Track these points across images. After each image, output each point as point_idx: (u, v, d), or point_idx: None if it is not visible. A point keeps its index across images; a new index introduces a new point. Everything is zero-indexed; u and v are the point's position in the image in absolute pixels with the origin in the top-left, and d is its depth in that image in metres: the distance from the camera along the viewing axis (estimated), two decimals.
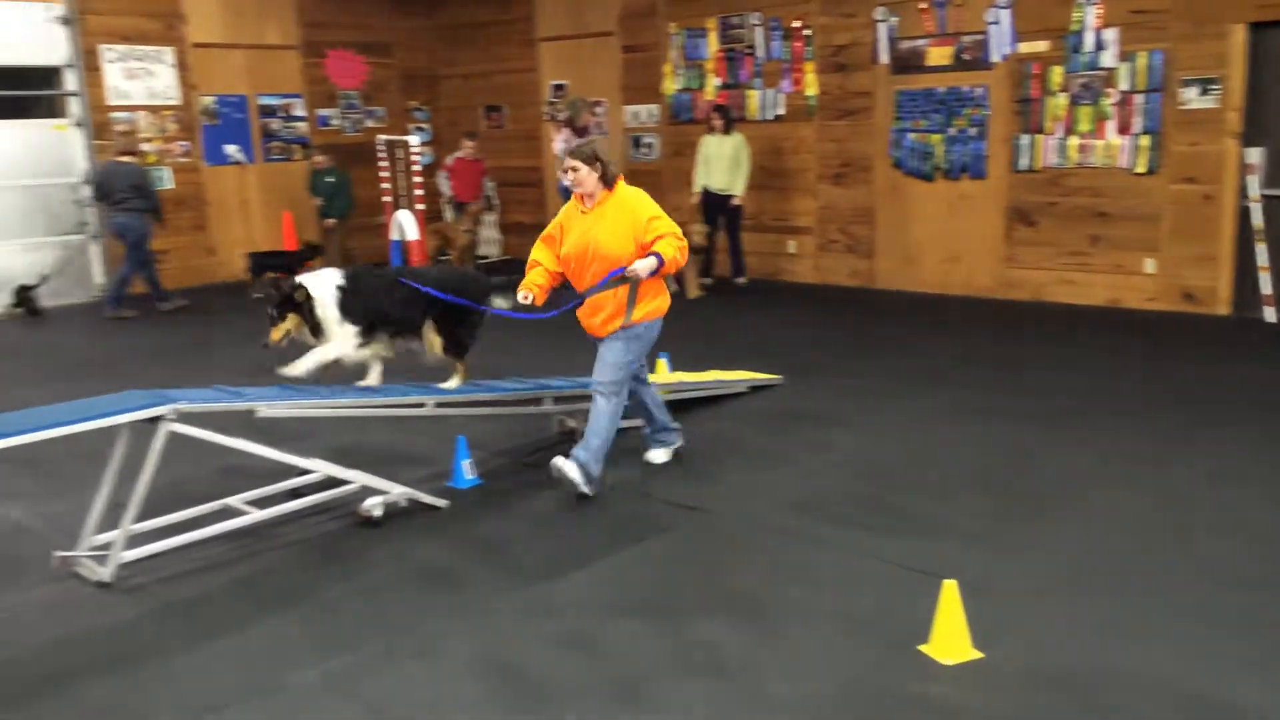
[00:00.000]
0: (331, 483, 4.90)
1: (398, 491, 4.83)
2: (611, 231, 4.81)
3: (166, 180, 11.41)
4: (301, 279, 5.01)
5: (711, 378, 6.59)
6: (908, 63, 9.84)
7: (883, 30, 9.92)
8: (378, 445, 5.77)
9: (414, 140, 9.93)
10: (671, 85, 11.58)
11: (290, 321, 4.91)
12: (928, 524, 4.53)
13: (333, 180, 11.67)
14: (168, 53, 11.43)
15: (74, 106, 10.94)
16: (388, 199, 10.19)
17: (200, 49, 11.62)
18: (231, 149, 12.05)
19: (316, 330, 4.95)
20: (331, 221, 11.71)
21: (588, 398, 5.76)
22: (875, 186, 10.27)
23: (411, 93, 13.61)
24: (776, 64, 10.73)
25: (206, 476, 5.20)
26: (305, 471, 4.89)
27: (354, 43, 12.89)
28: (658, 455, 5.41)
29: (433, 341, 5.26)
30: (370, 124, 13.01)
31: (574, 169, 4.82)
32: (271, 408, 4.53)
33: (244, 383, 4.97)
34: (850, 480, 5.11)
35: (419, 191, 9.69)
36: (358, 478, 4.81)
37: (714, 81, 11.22)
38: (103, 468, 4.34)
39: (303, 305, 4.91)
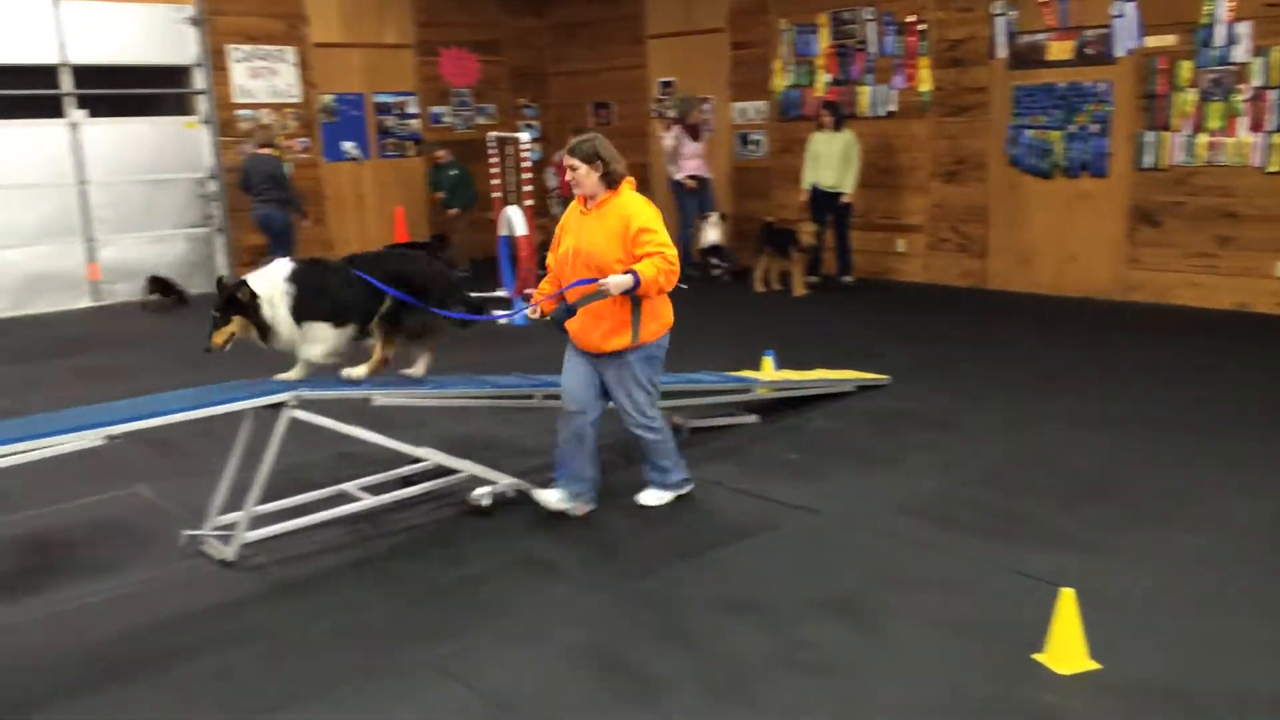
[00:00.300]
0: (441, 471, 5.00)
1: (506, 482, 4.91)
2: (604, 235, 4.42)
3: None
4: (248, 277, 4.50)
5: (817, 376, 6.53)
6: (1027, 57, 9.58)
7: (1001, 24, 9.68)
8: (486, 436, 5.87)
9: (523, 137, 10.06)
10: (781, 81, 11.50)
11: (235, 324, 4.39)
12: (1041, 530, 4.42)
13: (455, 174, 11.96)
14: (290, 52, 11.80)
15: (202, 104, 11.38)
16: (497, 195, 10.34)
17: (321, 48, 11.97)
18: (348, 146, 12.40)
19: (265, 332, 4.43)
20: (455, 211, 12.02)
21: (696, 394, 5.81)
22: (990, 184, 10.02)
23: (521, 90, 13.79)
24: (889, 60, 10.56)
25: (323, 462, 5.36)
26: (416, 460, 5.01)
27: (467, 41, 13.12)
28: (550, 497, 4.74)
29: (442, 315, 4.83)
30: (481, 121, 13.23)
31: (572, 167, 4.45)
32: (386, 396, 4.66)
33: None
34: (960, 484, 5.01)
35: (528, 188, 9.81)
36: (467, 467, 4.90)
37: (824, 78, 11.10)
38: (227, 451, 4.53)
39: (247, 306, 4.38)
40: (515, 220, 9.68)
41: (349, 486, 4.92)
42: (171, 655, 3.60)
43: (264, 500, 4.44)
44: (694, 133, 11.09)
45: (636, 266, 4.31)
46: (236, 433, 4.48)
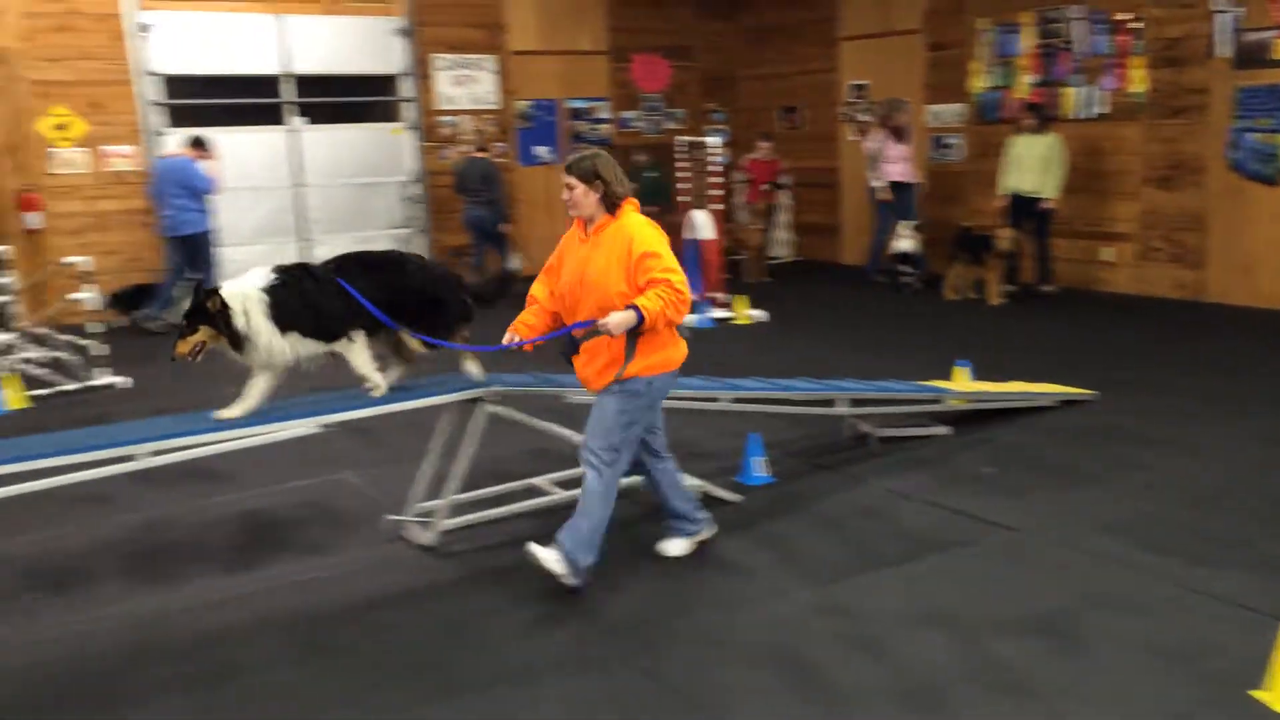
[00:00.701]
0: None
1: (692, 483, 4.93)
2: (604, 263, 3.93)
3: None
4: (222, 285, 4.20)
5: (1016, 389, 6.28)
6: (1252, 56, 8.93)
7: (1224, 22, 9.06)
8: (670, 436, 5.89)
9: (713, 141, 10.10)
10: (979, 83, 11.13)
11: (203, 333, 4.08)
12: (1258, 557, 4.11)
13: (655, 175, 12.16)
14: (490, 60, 12.25)
15: (407, 111, 11.95)
16: (686, 199, 10.42)
17: (518, 56, 12.37)
18: (541, 150, 12.76)
19: (237, 343, 4.11)
20: (654, 209, 12.19)
21: (885, 401, 5.70)
22: (1208, 190, 9.39)
23: (711, 94, 13.85)
24: (1098, 59, 10.05)
25: (516, 456, 5.53)
26: None
27: (659, 47, 13.28)
28: (673, 547, 4.37)
29: (409, 342, 4.50)
30: (670, 125, 13.36)
31: (568, 186, 3.98)
32: (579, 394, 4.76)
33: (555, 369, 5.22)
34: (1169, 504, 4.72)
35: (716, 192, 9.84)
36: None
37: (1026, 79, 10.67)
38: (427, 441, 4.73)
39: (216, 316, 4.07)
40: (701, 224, 9.73)
41: (540, 480, 5.05)
42: (374, 633, 3.79)
43: (461, 490, 4.62)
44: (898, 135, 10.86)
45: (638, 300, 3.83)
46: (436, 425, 4.67)
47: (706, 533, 4.46)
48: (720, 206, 9.95)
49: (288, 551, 4.60)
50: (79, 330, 7.89)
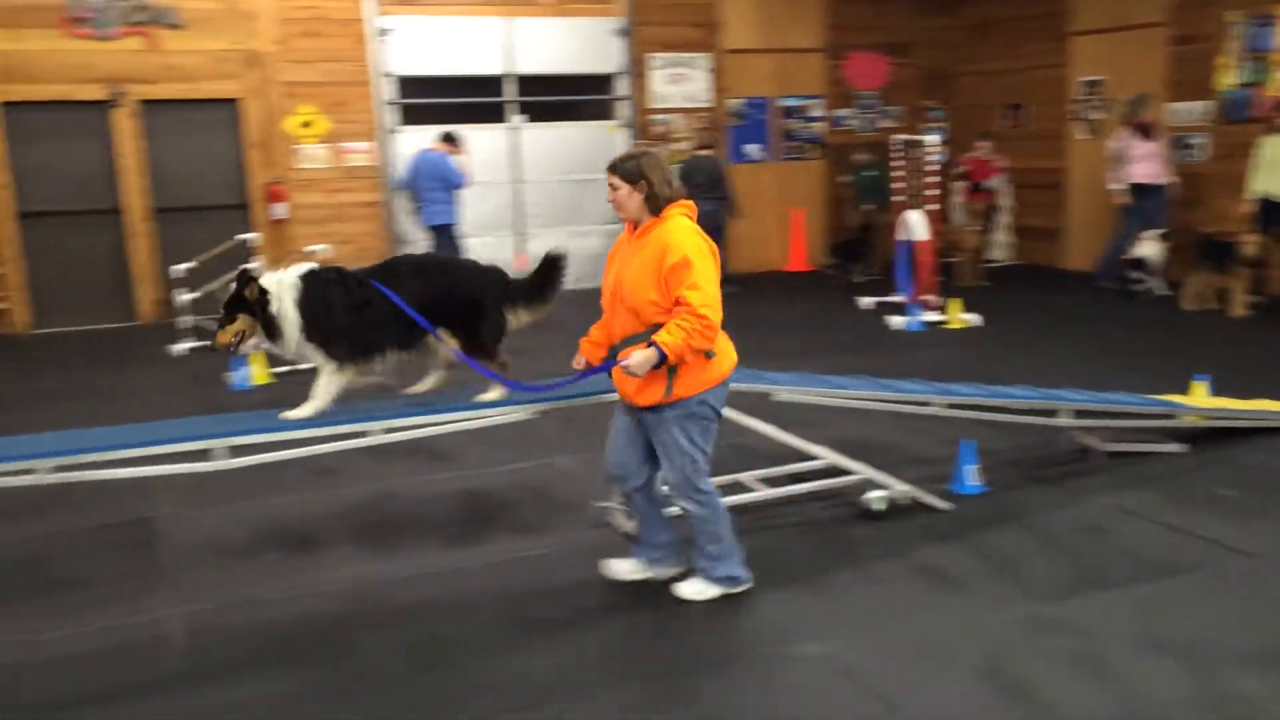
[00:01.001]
0: (833, 471, 5.00)
1: (900, 488, 4.81)
2: (639, 269, 3.73)
3: None
4: (264, 277, 4.24)
5: (1260, 408, 5.80)
6: None
7: None
8: (880, 440, 5.78)
9: (931, 140, 9.80)
10: (1227, 79, 10.34)
11: (242, 322, 4.14)
12: None
13: (874, 174, 11.99)
14: (704, 59, 12.33)
15: (622, 109, 12.19)
16: (900, 199, 10.17)
17: (733, 54, 12.39)
18: (752, 148, 12.74)
19: (272, 332, 4.15)
20: (872, 207, 12.03)
21: (1112, 414, 5.39)
22: None
23: (929, 92, 13.45)
24: None
25: (719, 450, 5.49)
26: (810, 457, 5.04)
27: (876, 44, 13.02)
28: (622, 568, 4.19)
29: (446, 346, 4.38)
30: (884, 124, 13.07)
31: (613, 186, 3.77)
32: (789, 392, 4.73)
33: (771, 367, 5.21)
34: None
35: (933, 192, 9.56)
36: (862, 469, 4.86)
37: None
38: None
39: (254, 304, 4.12)
40: (916, 225, 9.47)
41: (744, 476, 5.05)
42: (581, 615, 3.88)
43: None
44: (1145, 132, 10.20)
45: (659, 335, 3.62)
46: None
47: (673, 568, 4.16)
48: (936, 207, 9.65)
49: (502, 530, 4.78)
50: None
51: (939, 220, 9.87)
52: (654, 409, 3.79)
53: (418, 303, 4.21)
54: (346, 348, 4.20)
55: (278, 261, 9.93)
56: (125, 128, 10.42)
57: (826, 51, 12.84)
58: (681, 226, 3.73)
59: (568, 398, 4.38)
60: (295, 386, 7.47)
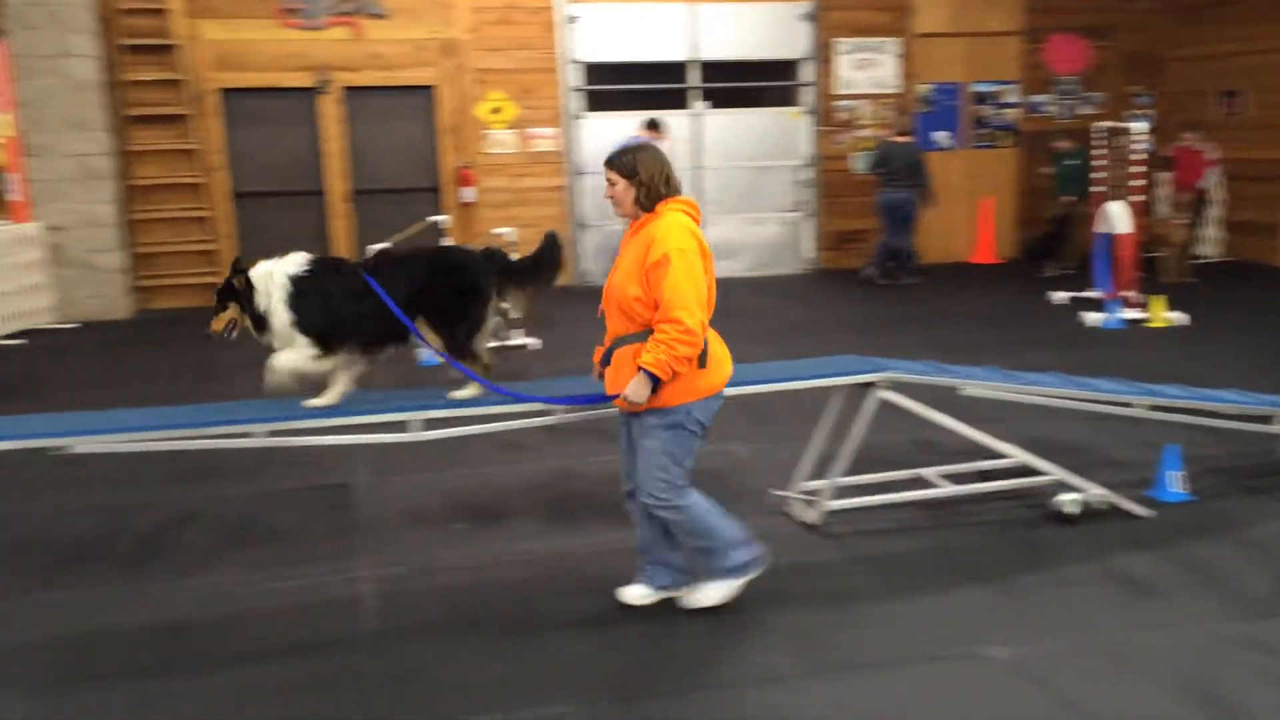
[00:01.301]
0: (1022, 471, 4.81)
1: (1096, 492, 4.59)
2: (628, 265, 3.59)
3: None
4: (254, 269, 4.15)
5: None
6: None
7: None
8: (1072, 440, 5.52)
9: (1137, 127, 9.26)
10: None
11: (233, 311, 4.13)
12: None
13: (1076, 162, 11.46)
14: (893, 43, 12.02)
15: (805, 96, 12.03)
16: (1100, 189, 9.65)
17: (923, 39, 12.04)
18: (941, 135, 12.36)
19: (259, 324, 4.09)
20: (1071, 199, 11.52)
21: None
22: None
23: (1133, 77, 12.72)
24: None
25: (901, 445, 5.41)
26: (996, 455, 4.86)
27: (1076, 26, 12.40)
28: (632, 594, 3.90)
29: (433, 341, 4.22)
30: (1085, 110, 12.44)
31: (609, 181, 3.64)
32: (977, 387, 4.58)
33: (956, 360, 5.06)
34: None
35: (1137, 183, 9.03)
36: (1054, 471, 4.66)
37: None
38: (812, 421, 4.76)
39: (241, 294, 4.09)
40: (1117, 217, 8.99)
41: (927, 472, 4.92)
42: (755, 601, 3.86)
43: (846, 473, 4.59)
44: None
45: (642, 358, 3.46)
46: (824, 407, 4.67)
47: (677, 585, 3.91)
48: (1141, 198, 9.13)
49: None
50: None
51: (1142, 212, 9.33)
52: (640, 414, 3.62)
53: (407, 295, 4.09)
54: (331, 340, 4.10)
55: (462, 242, 10.30)
56: (330, 113, 10.99)
57: (1024, 35, 12.31)
58: (672, 223, 3.56)
59: (548, 402, 4.12)
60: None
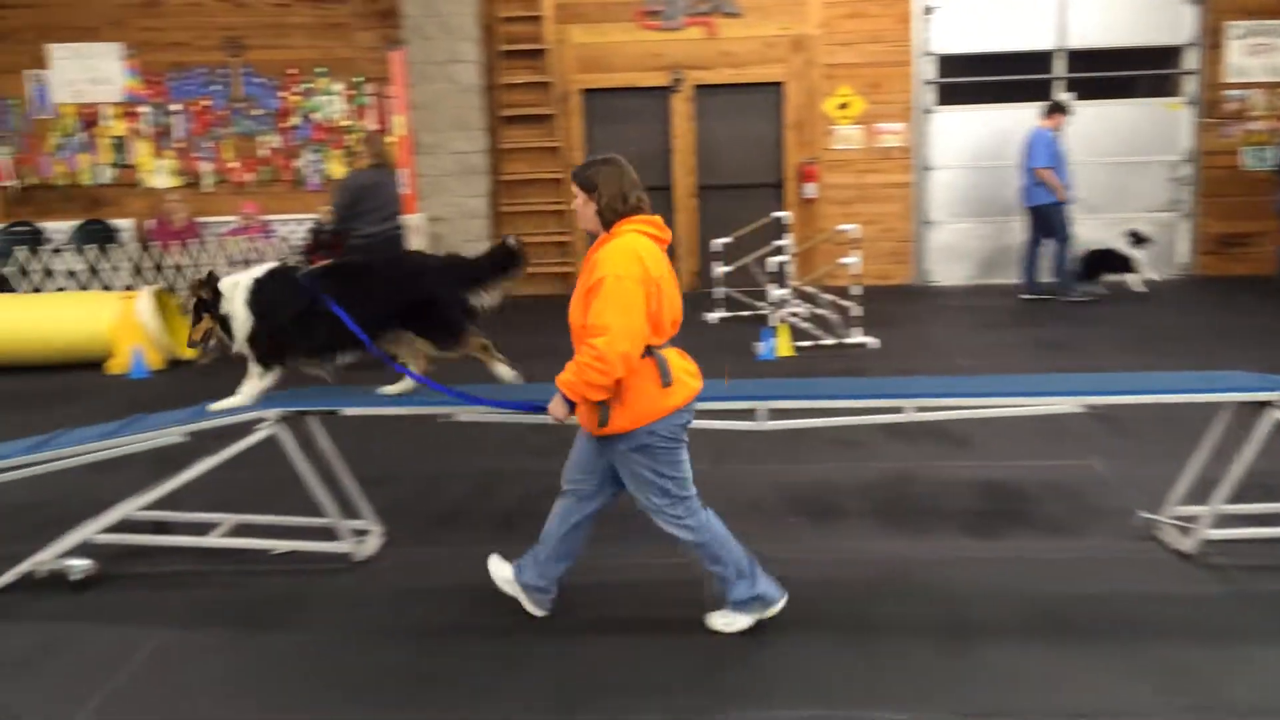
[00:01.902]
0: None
1: None
2: (577, 291, 3.46)
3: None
4: (223, 280, 4.18)
5: None
6: None
7: None
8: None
9: None
10: None
11: (208, 321, 4.15)
12: None
13: None
14: None
15: (1188, 85, 10.96)
16: None
17: None
18: None
19: (227, 330, 4.13)
20: None
21: None
22: None
23: None
24: None
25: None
26: None
27: None
28: (502, 571, 3.86)
29: (419, 346, 4.17)
30: None
31: (573, 194, 3.48)
32: None
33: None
34: None
35: None
36: None
37: None
38: (1183, 440, 4.32)
39: (209, 303, 4.12)
40: None
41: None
42: (1120, 627, 3.55)
43: (1230, 500, 4.11)
44: None
45: (559, 376, 3.38)
46: (1200, 424, 4.21)
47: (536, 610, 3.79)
48: None
49: (1026, 527, 4.52)
50: (842, 292, 8.62)
51: None
52: (604, 440, 3.51)
53: (366, 306, 4.06)
54: (285, 352, 4.18)
55: (804, 239, 10.28)
56: (681, 111, 11.35)
57: None
58: (619, 247, 3.37)
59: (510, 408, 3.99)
60: (818, 360, 7.70)
